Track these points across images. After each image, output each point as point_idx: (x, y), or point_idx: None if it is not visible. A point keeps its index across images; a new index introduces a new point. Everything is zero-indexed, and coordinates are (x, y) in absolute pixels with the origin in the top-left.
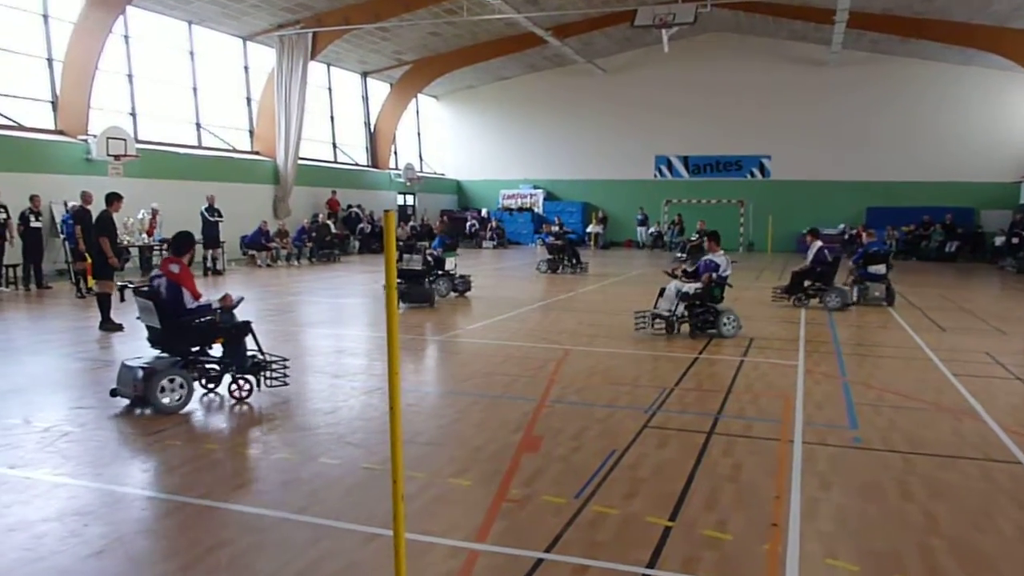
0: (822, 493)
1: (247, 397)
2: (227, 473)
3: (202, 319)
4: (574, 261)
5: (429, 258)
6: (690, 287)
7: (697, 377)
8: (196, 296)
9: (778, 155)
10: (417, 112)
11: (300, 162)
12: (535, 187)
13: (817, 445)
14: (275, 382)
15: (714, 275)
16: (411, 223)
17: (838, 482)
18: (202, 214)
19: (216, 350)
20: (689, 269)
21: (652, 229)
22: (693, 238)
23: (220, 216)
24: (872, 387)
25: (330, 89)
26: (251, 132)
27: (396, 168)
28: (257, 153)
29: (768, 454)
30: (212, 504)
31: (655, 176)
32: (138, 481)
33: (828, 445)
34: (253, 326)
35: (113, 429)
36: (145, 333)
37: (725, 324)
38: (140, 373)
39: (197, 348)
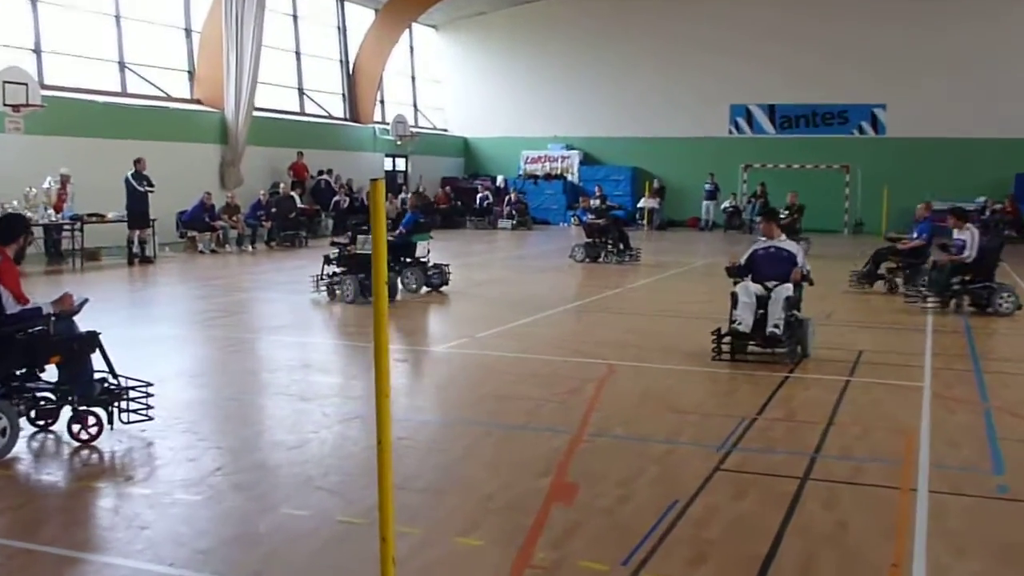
0: (955, 560)
1: (95, 438)
2: (154, 526)
3: (30, 329)
4: (621, 246)
5: (390, 238)
6: (787, 288)
7: (787, 404)
8: (21, 299)
9: (896, 104)
10: (411, 48)
11: (256, 114)
12: (568, 147)
13: (949, 495)
14: (134, 415)
15: (807, 268)
16: (402, 195)
17: (976, 545)
18: (127, 182)
19: (49, 373)
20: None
21: (726, 203)
22: (781, 216)
23: (150, 186)
24: None
25: (295, 17)
26: (191, 74)
27: (383, 122)
28: (198, 102)
29: (883, 507)
30: (126, 565)
31: (730, 132)
32: None
33: (964, 495)
34: (102, 339)
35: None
36: None
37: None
38: None
39: (22, 370)
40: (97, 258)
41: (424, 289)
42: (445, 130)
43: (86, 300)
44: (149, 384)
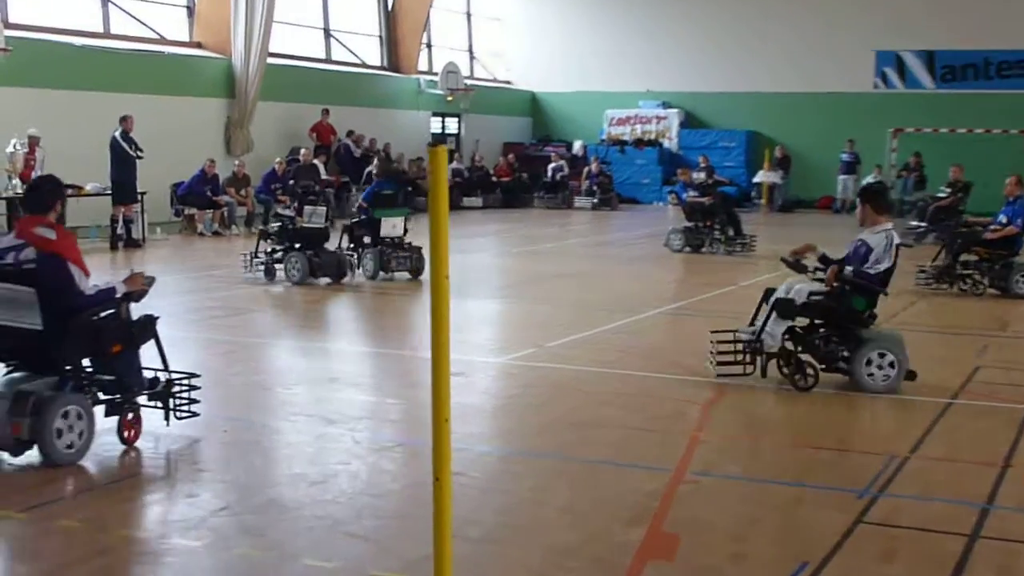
0: None
1: (135, 439)
2: None
3: (103, 313)
4: (730, 232)
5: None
6: (814, 287)
7: (949, 437)
8: (87, 275)
9: None
10: None
11: (271, 62)
12: (665, 105)
13: None
14: (182, 412)
15: (848, 269)
16: (453, 164)
17: None
18: (112, 145)
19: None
20: (827, 256)
21: (870, 177)
22: (941, 194)
23: (139, 151)
24: None
25: None
26: (189, 11)
27: (430, 73)
28: (199, 46)
29: None
30: None
31: (875, 87)
32: None
33: None
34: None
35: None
36: None
37: (869, 367)
38: (20, 403)
39: (88, 361)
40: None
41: (393, 275)
42: (508, 83)
43: (154, 279)
44: (194, 375)
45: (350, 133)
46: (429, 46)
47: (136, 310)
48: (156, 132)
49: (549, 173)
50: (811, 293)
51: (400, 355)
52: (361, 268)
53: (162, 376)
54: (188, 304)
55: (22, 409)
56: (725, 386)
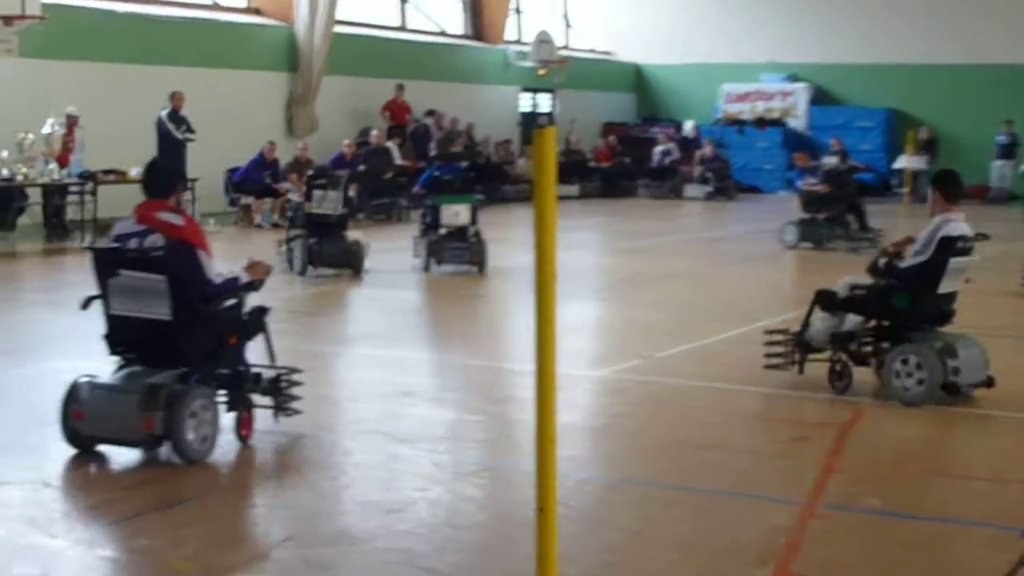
0: None
1: (249, 436)
2: None
3: (228, 303)
4: (855, 225)
5: (351, 196)
6: (858, 280)
7: None
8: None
9: None
10: None
11: (339, 30)
12: (792, 78)
13: None
14: (288, 411)
15: (882, 261)
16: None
17: None
18: (159, 125)
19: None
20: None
21: None
22: None
23: (190, 131)
24: None
25: None
26: None
27: (519, 42)
28: (257, 12)
29: None
30: None
31: None
32: None
33: None
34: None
35: (83, 514)
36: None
37: (899, 373)
38: (152, 396)
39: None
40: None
41: (459, 268)
42: (609, 54)
43: (272, 268)
44: (296, 370)
45: (431, 113)
46: (518, 12)
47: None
48: (208, 110)
49: (655, 158)
50: (853, 286)
51: (481, 365)
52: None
53: (259, 371)
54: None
55: (155, 403)
56: (864, 405)
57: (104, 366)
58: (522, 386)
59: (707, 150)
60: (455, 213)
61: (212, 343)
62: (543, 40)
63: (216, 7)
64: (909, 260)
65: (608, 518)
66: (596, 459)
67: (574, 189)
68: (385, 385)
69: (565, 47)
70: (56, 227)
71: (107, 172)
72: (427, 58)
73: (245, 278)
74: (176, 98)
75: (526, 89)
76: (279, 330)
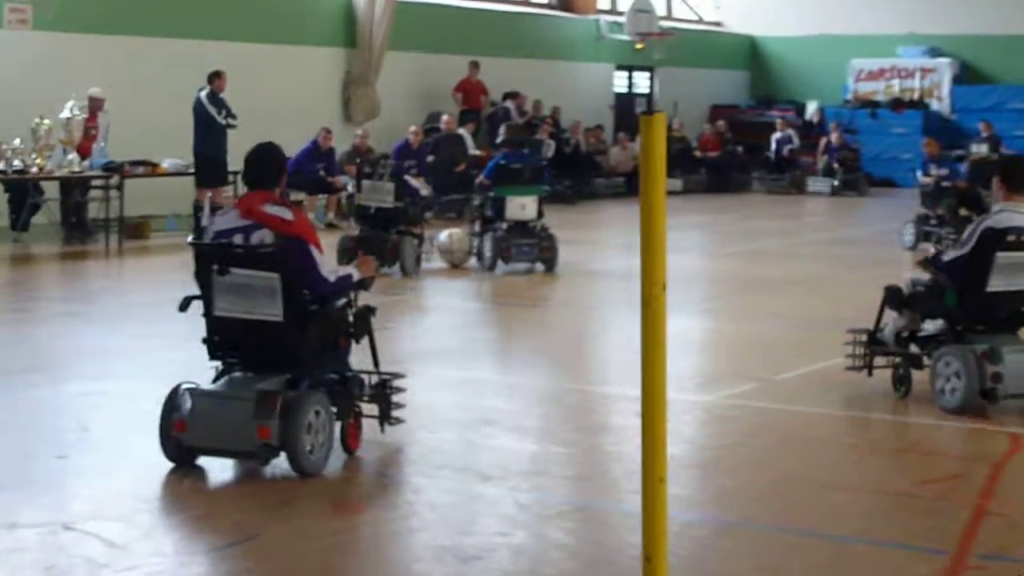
0: None
1: (357, 446)
2: None
3: (339, 303)
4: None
5: (420, 188)
6: (920, 277)
7: None
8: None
9: None
10: None
11: None
12: (934, 53)
13: None
14: (394, 419)
15: (943, 257)
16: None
17: None
18: (197, 108)
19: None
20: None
21: None
22: None
23: (231, 117)
24: None
25: None
26: None
27: (614, 12)
28: None
29: None
30: None
31: None
32: None
33: None
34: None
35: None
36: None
37: (939, 377)
38: (267, 403)
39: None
40: (143, 234)
41: (533, 267)
42: (718, 24)
43: (380, 265)
44: (400, 375)
45: (512, 95)
46: None
47: None
48: (254, 92)
49: (773, 146)
50: (915, 282)
51: (568, 388)
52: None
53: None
54: None
55: (270, 411)
56: (1023, 438)
57: (138, 386)
58: (618, 412)
59: (833, 137)
60: (521, 205)
61: (324, 345)
62: (641, 9)
63: None
64: (951, 253)
65: (720, 567)
66: (706, 498)
67: (677, 183)
68: (458, 411)
69: (667, 17)
70: (76, 227)
71: (135, 163)
72: (506, 31)
73: (357, 276)
74: (218, 79)
75: (621, 67)
76: None
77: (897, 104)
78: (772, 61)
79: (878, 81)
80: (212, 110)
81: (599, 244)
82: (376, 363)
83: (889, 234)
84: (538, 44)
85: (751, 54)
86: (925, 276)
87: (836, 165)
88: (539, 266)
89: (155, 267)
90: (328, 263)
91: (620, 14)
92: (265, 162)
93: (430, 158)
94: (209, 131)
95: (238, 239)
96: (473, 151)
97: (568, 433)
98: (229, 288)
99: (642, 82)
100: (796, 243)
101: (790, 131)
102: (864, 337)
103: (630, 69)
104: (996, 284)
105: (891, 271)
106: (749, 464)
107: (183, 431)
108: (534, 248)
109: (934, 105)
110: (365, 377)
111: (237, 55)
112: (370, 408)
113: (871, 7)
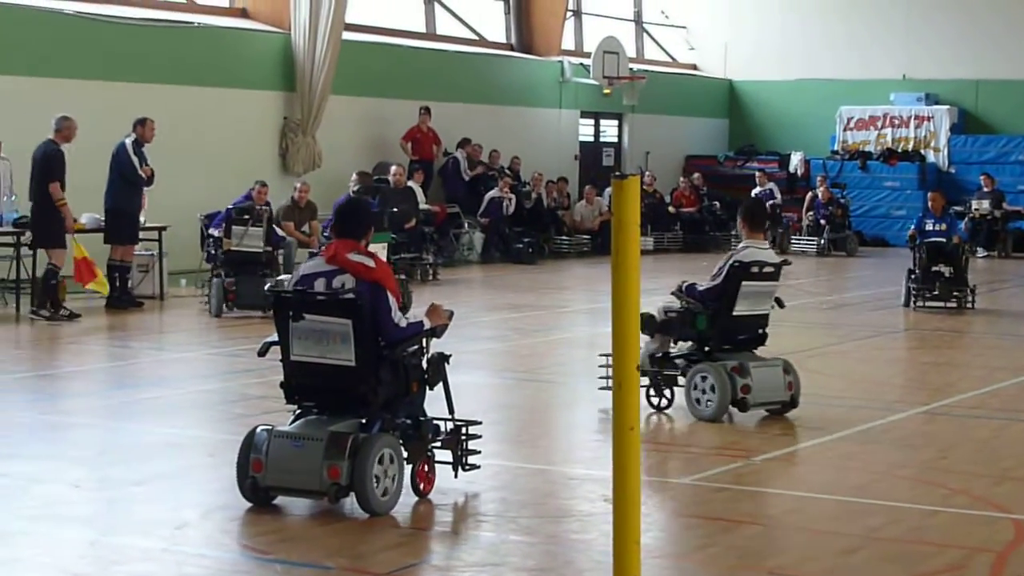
0: None
1: (429, 490)
2: None
3: (410, 349)
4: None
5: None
6: (671, 304)
7: None
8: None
9: None
10: None
11: (348, 37)
12: (931, 99)
13: None
14: (468, 465)
15: (697, 288)
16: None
17: None
18: (119, 156)
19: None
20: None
21: None
22: None
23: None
24: None
25: None
26: None
27: (579, 54)
28: (244, 14)
29: None
30: None
31: None
32: None
33: None
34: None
35: None
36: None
37: (695, 392)
38: (337, 444)
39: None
40: (58, 297)
41: None
42: (694, 68)
43: (452, 312)
44: (476, 422)
45: (463, 143)
46: (578, 14)
47: None
48: (183, 140)
49: (759, 201)
50: (667, 309)
51: (526, 469)
52: None
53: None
54: (217, 396)
55: (340, 451)
56: None
57: (48, 469)
58: (583, 496)
59: (820, 191)
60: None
61: (395, 390)
62: (609, 50)
63: (192, 7)
64: (705, 283)
65: None
66: None
67: (648, 242)
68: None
69: (637, 59)
70: None
71: None
72: (460, 74)
73: (428, 323)
74: (144, 126)
75: (587, 113)
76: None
77: (890, 155)
78: (753, 108)
79: (869, 130)
80: (135, 160)
81: (562, 308)
82: (451, 409)
83: (881, 299)
84: (496, 88)
85: (730, 100)
86: (676, 304)
87: (823, 222)
88: None
89: (71, 333)
90: (400, 312)
91: (586, 56)
92: (356, 214)
93: (376, 211)
94: (127, 182)
95: (320, 283)
96: (424, 206)
97: (528, 519)
98: (306, 333)
99: (610, 130)
100: (780, 311)
101: (772, 185)
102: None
103: (597, 116)
104: (741, 309)
105: (881, 343)
106: (730, 554)
107: (260, 471)
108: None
109: (930, 156)
110: (441, 424)
111: (163, 97)
112: (444, 454)
113: (861, 49)
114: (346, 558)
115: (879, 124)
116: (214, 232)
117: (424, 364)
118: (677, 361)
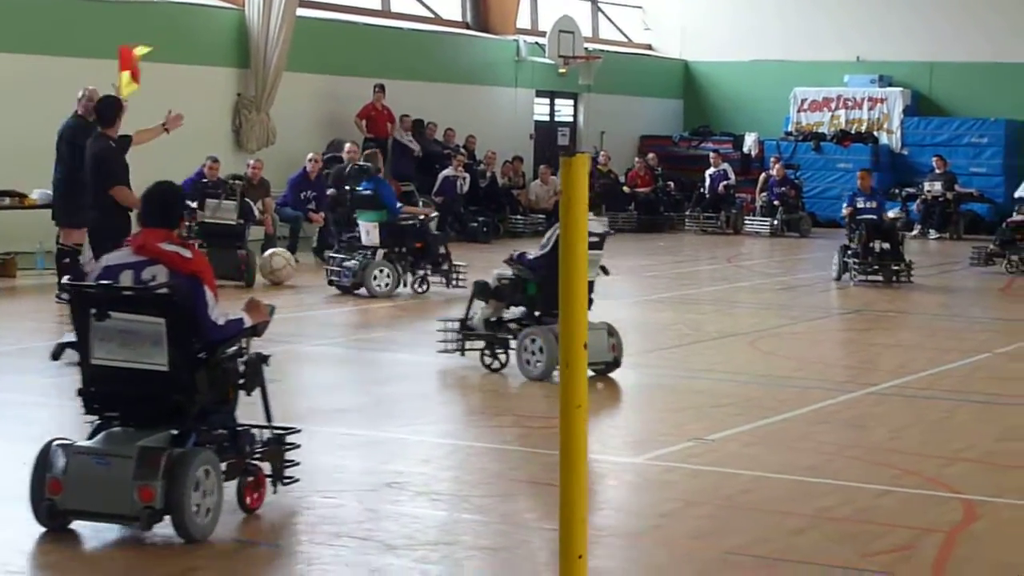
0: None
1: (258, 503)
2: None
3: (229, 351)
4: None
5: (254, 206)
6: (505, 272)
7: None
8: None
9: None
10: None
11: (303, 14)
12: (884, 82)
13: None
14: (288, 478)
15: (515, 253)
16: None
17: None
18: (64, 134)
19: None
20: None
21: None
22: None
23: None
24: None
25: None
26: None
27: (535, 32)
28: None
29: None
30: None
31: None
32: None
33: None
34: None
35: None
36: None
37: (525, 354)
38: (150, 462)
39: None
40: (9, 273)
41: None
42: (649, 48)
43: (274, 308)
44: (293, 430)
45: (403, 119)
46: None
47: None
48: (134, 116)
49: (708, 182)
50: (499, 277)
51: (481, 448)
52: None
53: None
54: None
55: (153, 469)
56: (982, 505)
57: None
58: (538, 474)
59: (774, 172)
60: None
61: (213, 397)
62: (564, 29)
63: None
64: (534, 252)
65: None
66: (632, 575)
67: (603, 222)
68: (360, 474)
69: (593, 39)
70: None
71: (0, 194)
72: (415, 52)
73: (248, 321)
74: (87, 97)
75: (542, 92)
76: None
77: (843, 137)
78: (707, 89)
79: (823, 112)
80: (79, 137)
81: None
82: (269, 417)
83: (832, 280)
84: (451, 67)
85: (684, 81)
86: (508, 272)
87: (776, 203)
88: None
89: (22, 311)
90: (218, 308)
91: (542, 35)
92: (165, 200)
93: (331, 191)
94: (72, 162)
95: (127, 277)
96: None
97: (482, 499)
98: (110, 334)
99: (566, 110)
100: (733, 289)
101: (726, 166)
102: (456, 325)
103: (552, 95)
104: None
105: (833, 323)
106: (682, 535)
107: (58, 492)
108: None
109: (883, 138)
110: (256, 432)
111: (114, 74)
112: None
113: (815, 31)
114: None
115: (833, 106)
116: (188, 204)
117: (241, 367)
118: (510, 325)
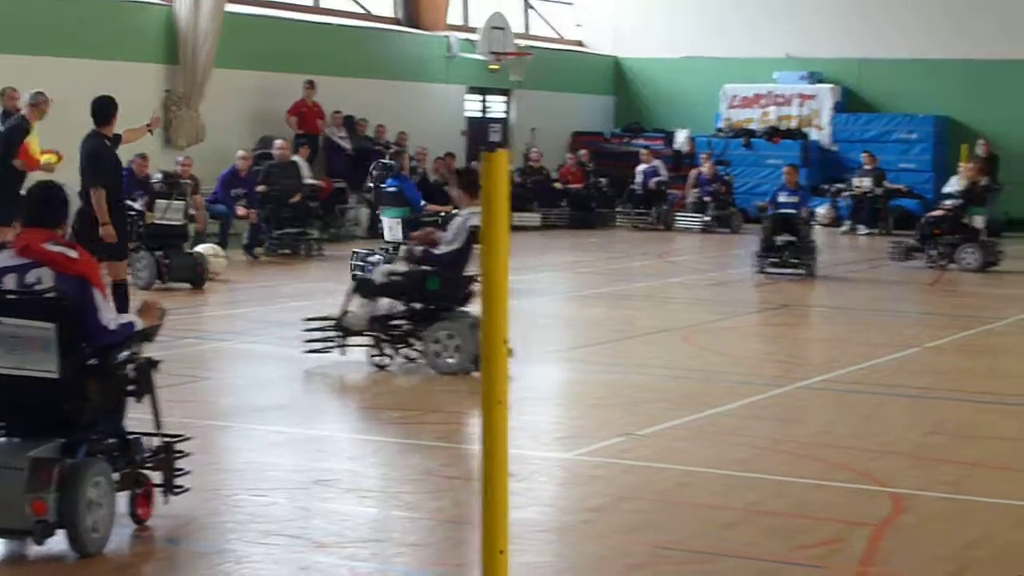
0: None
1: (148, 515)
2: None
3: (121, 356)
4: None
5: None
6: (395, 268)
7: None
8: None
9: None
10: None
11: (232, 9)
12: (814, 78)
13: None
14: (177, 487)
15: (417, 249)
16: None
17: None
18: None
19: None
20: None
21: None
22: None
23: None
24: None
25: None
26: None
27: (465, 28)
28: None
29: None
30: None
31: None
32: None
33: None
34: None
35: None
36: None
37: (436, 346)
38: (42, 474)
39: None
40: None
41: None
42: (580, 44)
43: (165, 311)
44: (182, 437)
45: (334, 116)
46: None
47: None
48: (60, 113)
49: (639, 178)
50: (390, 273)
51: (410, 445)
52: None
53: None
54: None
55: (46, 482)
56: (910, 499)
57: None
58: (466, 472)
59: (705, 168)
60: (391, 225)
61: (104, 406)
62: (496, 26)
63: None
64: (443, 248)
65: None
66: (567, 569)
67: (535, 218)
68: (289, 472)
69: (524, 35)
70: None
71: None
72: (346, 48)
73: (140, 324)
74: (7, 96)
75: (474, 89)
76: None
77: (773, 133)
78: (638, 85)
79: (753, 108)
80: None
81: None
82: (159, 424)
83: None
84: (382, 63)
85: (616, 77)
86: (400, 267)
87: (707, 199)
88: None
89: None
90: (109, 310)
91: (473, 31)
92: (51, 201)
93: (260, 188)
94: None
95: (11, 280)
96: (309, 180)
97: (411, 495)
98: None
99: (497, 106)
100: (664, 285)
101: (657, 162)
102: (330, 323)
103: (484, 92)
104: (471, 270)
105: (763, 318)
106: (613, 530)
107: None
108: None
109: (813, 134)
110: (144, 440)
111: (40, 70)
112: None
113: (745, 28)
114: None
115: (763, 102)
116: (136, 205)
117: (131, 373)
118: (399, 322)
